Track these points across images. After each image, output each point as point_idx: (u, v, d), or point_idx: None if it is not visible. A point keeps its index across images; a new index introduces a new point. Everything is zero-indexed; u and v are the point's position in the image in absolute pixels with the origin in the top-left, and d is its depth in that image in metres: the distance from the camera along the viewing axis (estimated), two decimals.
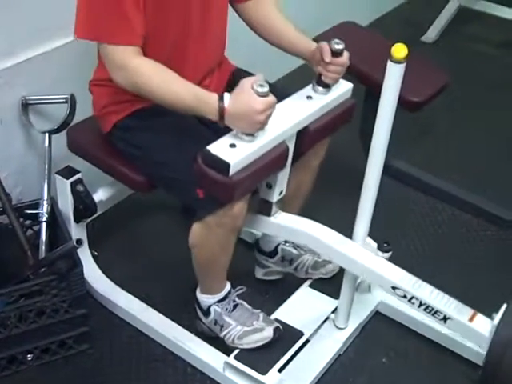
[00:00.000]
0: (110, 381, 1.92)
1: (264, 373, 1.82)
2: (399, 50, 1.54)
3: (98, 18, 1.62)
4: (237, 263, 1.90)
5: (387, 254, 1.83)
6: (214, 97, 1.59)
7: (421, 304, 1.73)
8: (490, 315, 1.72)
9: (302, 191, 2.05)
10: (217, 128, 1.65)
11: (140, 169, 1.86)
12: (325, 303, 2.08)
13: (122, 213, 2.36)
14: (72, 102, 2.05)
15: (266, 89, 1.54)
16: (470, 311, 1.74)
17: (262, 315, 1.93)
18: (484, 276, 2.30)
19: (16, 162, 2.13)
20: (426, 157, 2.86)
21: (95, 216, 2.08)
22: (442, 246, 2.44)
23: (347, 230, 1.85)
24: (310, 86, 1.82)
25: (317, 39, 2.29)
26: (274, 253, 2.16)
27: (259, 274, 2.21)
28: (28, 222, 2.04)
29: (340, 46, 1.74)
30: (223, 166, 1.55)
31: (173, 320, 2.01)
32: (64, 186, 1.97)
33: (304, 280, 2.16)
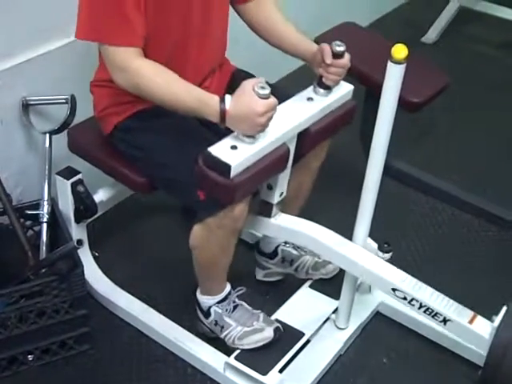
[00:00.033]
0: (110, 381, 1.92)
1: (265, 373, 1.82)
2: (399, 51, 1.54)
3: (99, 18, 1.61)
4: (237, 264, 1.91)
5: (388, 255, 1.83)
6: (215, 99, 1.59)
7: (421, 306, 1.73)
8: (490, 316, 1.72)
9: (303, 192, 2.05)
10: (218, 129, 1.65)
11: (141, 170, 1.86)
12: (325, 304, 2.08)
13: (123, 213, 2.36)
14: (72, 102, 2.05)
15: (267, 91, 1.54)
16: (469, 313, 1.74)
17: (262, 315, 1.93)
18: (484, 277, 2.30)
19: (16, 162, 2.13)
20: (426, 157, 2.86)
21: (96, 217, 2.08)
22: (442, 246, 2.44)
23: (348, 231, 1.85)
24: (311, 87, 1.82)
25: (317, 40, 2.31)
26: (274, 254, 2.17)
27: (260, 275, 2.21)
28: (28, 223, 2.04)
29: (341, 48, 1.74)
30: (224, 168, 1.55)
31: (173, 321, 2.02)
32: (64, 187, 1.97)
33: (304, 281, 2.16)
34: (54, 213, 2.01)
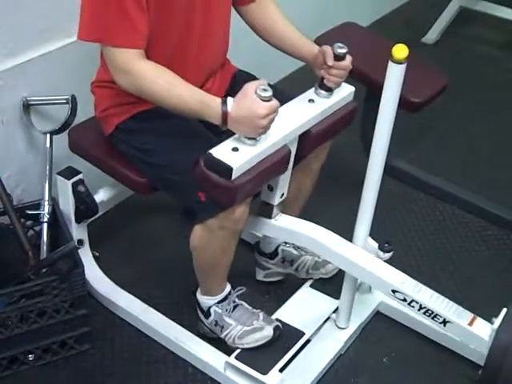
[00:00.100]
0: (110, 381, 1.92)
1: (265, 373, 1.82)
2: (400, 51, 1.55)
3: (101, 19, 1.61)
4: (238, 264, 1.91)
5: (388, 254, 1.83)
6: (217, 101, 1.59)
7: (420, 307, 1.73)
8: (489, 318, 1.72)
9: (303, 193, 2.05)
10: (219, 131, 1.65)
11: (142, 171, 1.86)
12: (326, 303, 2.08)
13: (123, 213, 2.36)
14: (73, 102, 2.05)
15: (269, 93, 1.54)
16: (469, 315, 1.74)
17: (261, 315, 1.94)
18: (484, 278, 2.30)
19: (17, 162, 2.13)
20: (426, 157, 2.86)
21: (96, 217, 2.09)
22: (442, 246, 2.44)
23: (348, 231, 1.86)
24: (312, 89, 1.82)
25: (318, 40, 2.31)
26: (274, 254, 2.17)
27: (260, 276, 2.21)
28: (29, 223, 2.04)
29: (343, 50, 1.74)
30: (226, 170, 1.55)
31: (174, 320, 2.02)
32: (65, 187, 1.97)
33: (305, 280, 2.16)
34: (55, 213, 2.01)
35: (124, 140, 1.85)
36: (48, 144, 2.06)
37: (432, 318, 1.73)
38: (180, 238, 1.92)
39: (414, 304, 1.74)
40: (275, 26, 1.90)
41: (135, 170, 1.87)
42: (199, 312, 1.97)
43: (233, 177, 1.56)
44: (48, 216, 2.00)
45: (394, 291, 1.75)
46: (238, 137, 1.61)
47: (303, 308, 2.06)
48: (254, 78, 1.89)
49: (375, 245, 1.86)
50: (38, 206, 2.01)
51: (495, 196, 2.60)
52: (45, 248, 1.97)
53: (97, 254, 2.18)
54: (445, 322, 1.72)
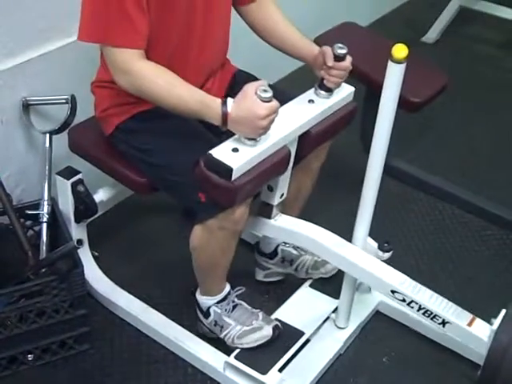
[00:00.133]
0: (110, 381, 1.92)
1: (264, 372, 1.82)
2: (400, 50, 1.55)
3: (101, 20, 1.61)
4: (237, 264, 1.91)
5: (388, 254, 1.83)
6: (218, 101, 1.59)
7: (420, 308, 1.73)
8: (489, 319, 1.72)
9: (303, 193, 2.05)
10: (219, 132, 1.65)
11: (142, 171, 1.86)
12: (325, 303, 2.08)
13: (123, 213, 2.36)
14: (73, 102, 2.05)
15: (269, 94, 1.54)
16: (468, 316, 1.74)
17: (261, 314, 1.94)
18: (484, 278, 2.30)
19: (17, 162, 2.13)
20: (426, 157, 2.86)
21: (96, 216, 2.08)
22: (441, 245, 2.44)
23: (348, 231, 1.86)
24: (312, 89, 1.82)
25: (317, 40, 2.31)
26: (273, 254, 2.17)
27: (260, 276, 2.21)
28: (29, 223, 2.04)
29: (343, 51, 1.73)
30: (226, 171, 1.55)
31: (173, 320, 2.02)
32: (65, 187, 1.97)
33: (304, 280, 2.16)
34: (54, 213, 2.01)
35: (124, 140, 1.85)
36: (47, 144, 2.06)
37: (431, 319, 1.73)
38: (180, 238, 1.92)
39: (413, 304, 1.74)
40: (276, 27, 1.89)
41: (135, 170, 1.87)
42: (199, 312, 1.97)
43: (233, 177, 1.56)
44: (47, 216, 2.00)
45: (393, 292, 1.75)
46: (238, 137, 1.61)
47: (303, 308, 2.06)
48: (254, 78, 1.89)
49: (375, 244, 1.86)
50: (37, 205, 2.01)
51: (495, 196, 2.61)
52: (44, 248, 1.97)
53: (96, 253, 2.18)
54: (444, 323, 1.72)
